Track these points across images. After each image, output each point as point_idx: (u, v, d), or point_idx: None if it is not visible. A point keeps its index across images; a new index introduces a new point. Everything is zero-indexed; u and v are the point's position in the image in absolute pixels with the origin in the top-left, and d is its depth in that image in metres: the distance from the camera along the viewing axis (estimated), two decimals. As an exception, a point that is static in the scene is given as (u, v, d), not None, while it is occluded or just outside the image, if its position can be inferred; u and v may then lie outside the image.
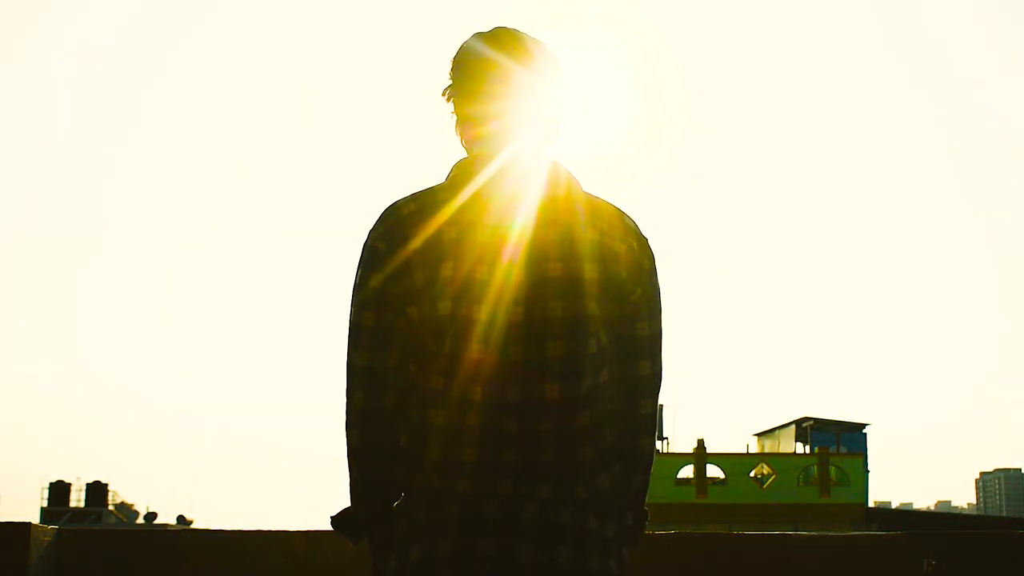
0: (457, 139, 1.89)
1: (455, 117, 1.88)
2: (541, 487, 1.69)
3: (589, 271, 1.73)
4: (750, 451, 30.88)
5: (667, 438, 29.93)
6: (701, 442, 26.42)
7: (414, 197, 1.79)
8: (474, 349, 1.69)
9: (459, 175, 1.80)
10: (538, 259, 1.72)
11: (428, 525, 1.69)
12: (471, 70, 1.85)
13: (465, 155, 1.87)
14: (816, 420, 29.29)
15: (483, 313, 1.69)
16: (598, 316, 1.74)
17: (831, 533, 3.03)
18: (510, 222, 1.74)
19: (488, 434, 1.68)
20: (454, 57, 1.88)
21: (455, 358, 1.69)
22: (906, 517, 32.73)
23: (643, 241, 1.84)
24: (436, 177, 1.84)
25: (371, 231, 1.79)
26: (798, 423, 29.86)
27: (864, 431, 29.25)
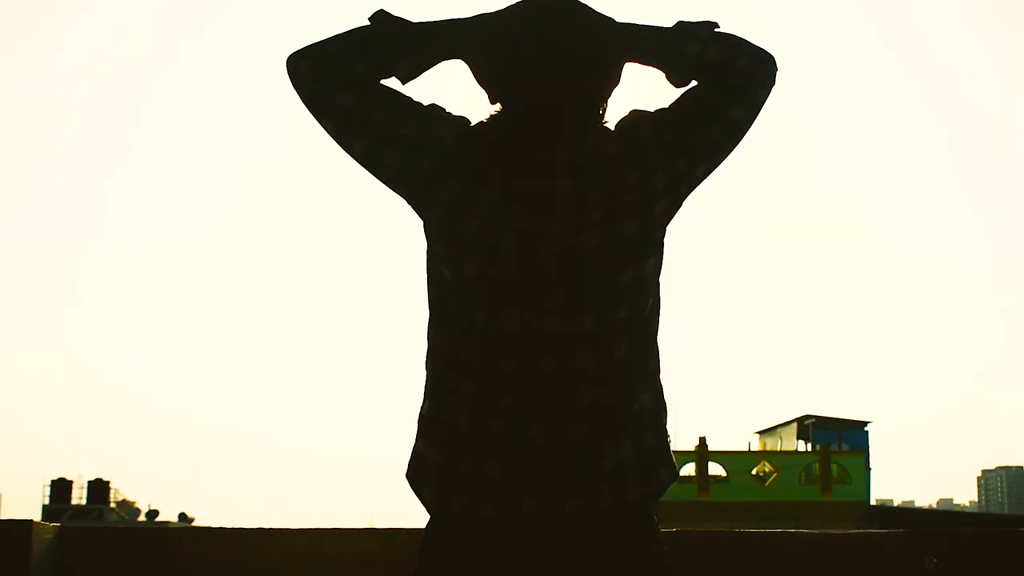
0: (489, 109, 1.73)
1: (494, 90, 1.72)
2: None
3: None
4: (752, 449, 30.82)
5: (669, 436, 29.90)
6: (703, 440, 26.40)
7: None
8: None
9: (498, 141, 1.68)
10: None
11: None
12: (516, 40, 1.69)
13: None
14: (818, 418, 29.24)
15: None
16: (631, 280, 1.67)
17: (833, 531, 3.03)
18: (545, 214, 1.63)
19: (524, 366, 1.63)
20: (497, 27, 1.72)
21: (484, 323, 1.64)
22: (908, 515, 32.71)
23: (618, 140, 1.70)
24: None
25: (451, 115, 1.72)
26: (800, 421, 29.83)
27: (866, 429, 29.20)
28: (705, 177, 1.74)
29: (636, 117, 1.73)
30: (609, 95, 1.74)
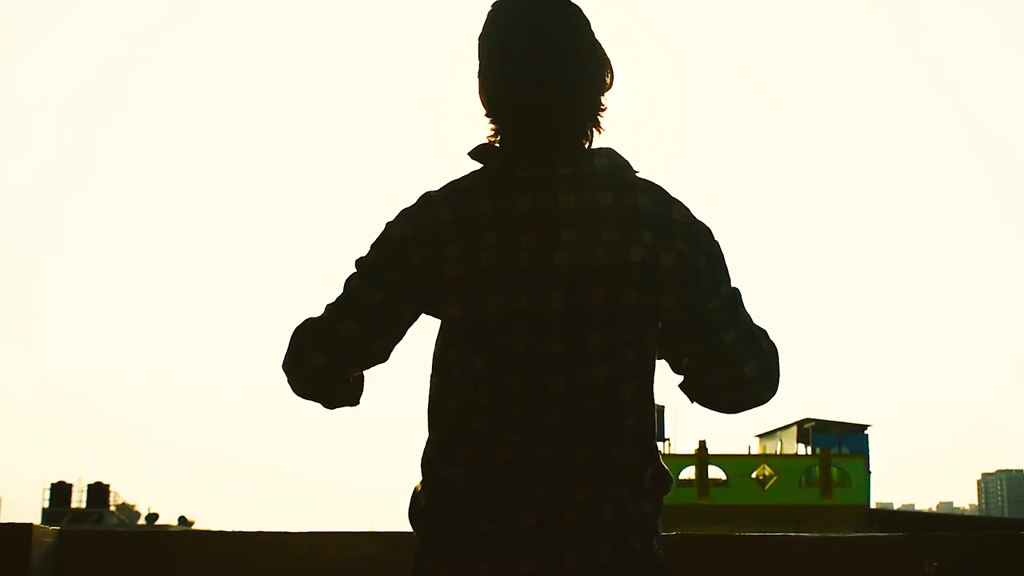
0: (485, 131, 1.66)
1: (484, 105, 1.66)
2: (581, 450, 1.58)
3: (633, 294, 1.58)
4: (752, 452, 30.87)
5: (668, 439, 30.03)
6: (703, 443, 26.47)
7: (448, 199, 1.61)
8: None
9: (486, 178, 1.61)
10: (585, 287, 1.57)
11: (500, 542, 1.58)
12: (497, 47, 1.64)
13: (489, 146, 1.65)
14: (818, 421, 29.30)
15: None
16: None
17: (833, 535, 3.03)
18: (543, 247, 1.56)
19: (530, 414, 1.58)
20: (479, 35, 1.67)
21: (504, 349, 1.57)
22: (908, 518, 32.79)
23: (682, 232, 1.62)
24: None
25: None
26: (800, 424, 29.87)
27: (866, 432, 29.26)
28: (663, 314, 1.62)
29: (681, 206, 1.65)
30: (600, 113, 1.67)
